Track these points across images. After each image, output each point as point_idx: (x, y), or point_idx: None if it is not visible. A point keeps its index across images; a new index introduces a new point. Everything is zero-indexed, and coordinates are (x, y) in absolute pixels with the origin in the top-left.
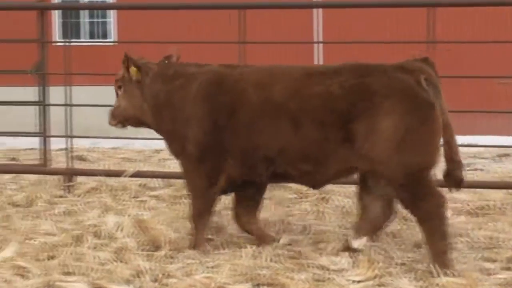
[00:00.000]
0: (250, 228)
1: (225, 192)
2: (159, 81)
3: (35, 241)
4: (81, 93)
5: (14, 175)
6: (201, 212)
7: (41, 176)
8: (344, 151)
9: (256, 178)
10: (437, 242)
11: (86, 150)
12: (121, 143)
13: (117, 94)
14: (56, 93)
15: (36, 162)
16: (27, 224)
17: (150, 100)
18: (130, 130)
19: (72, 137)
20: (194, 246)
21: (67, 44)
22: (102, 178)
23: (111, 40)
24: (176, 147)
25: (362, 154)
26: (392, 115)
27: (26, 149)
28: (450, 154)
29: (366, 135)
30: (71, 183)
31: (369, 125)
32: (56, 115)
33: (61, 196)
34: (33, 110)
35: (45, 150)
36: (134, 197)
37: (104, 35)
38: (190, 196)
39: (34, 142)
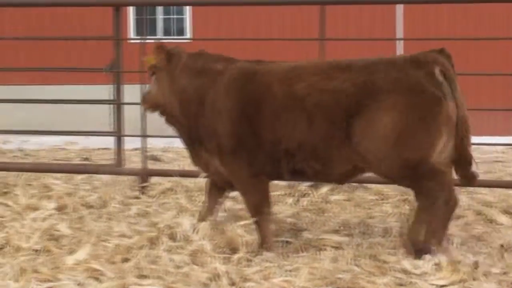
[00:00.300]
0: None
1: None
2: (186, 74)
3: (109, 243)
4: None
5: (87, 175)
6: (257, 206)
7: (115, 177)
8: (346, 150)
9: (277, 177)
10: (431, 223)
11: (161, 150)
12: None
13: (151, 80)
14: (130, 92)
15: (109, 162)
16: (100, 226)
17: (178, 93)
18: None
19: (146, 136)
20: (263, 244)
21: (142, 41)
22: (177, 179)
23: (187, 37)
24: (211, 145)
25: (359, 151)
26: (391, 112)
27: (99, 149)
28: (460, 149)
29: (364, 131)
30: (145, 184)
31: (368, 121)
32: (130, 114)
33: (135, 197)
34: (107, 109)
35: (119, 150)
36: None
37: (180, 32)
38: (242, 194)
39: (108, 141)
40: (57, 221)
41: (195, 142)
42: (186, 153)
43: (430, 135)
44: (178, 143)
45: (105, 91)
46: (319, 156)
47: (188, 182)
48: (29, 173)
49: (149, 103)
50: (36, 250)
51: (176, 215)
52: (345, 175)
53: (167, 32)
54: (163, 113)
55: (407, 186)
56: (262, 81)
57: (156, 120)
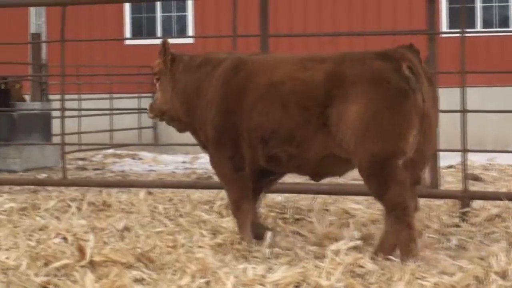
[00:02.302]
0: None
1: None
2: (187, 72)
3: (426, 281)
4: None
5: None
6: (237, 201)
7: (428, 200)
8: (323, 136)
9: (255, 164)
10: (401, 232)
11: (481, 168)
12: None
13: (156, 86)
14: (447, 96)
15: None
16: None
17: (179, 93)
18: None
19: (467, 151)
20: (242, 239)
21: (460, 35)
22: (504, 203)
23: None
24: (204, 137)
25: (336, 141)
26: (359, 102)
27: None
28: (420, 145)
29: (337, 122)
30: (466, 209)
31: (340, 112)
32: (447, 124)
33: (455, 225)
34: None
35: (434, 168)
36: None
37: (503, 23)
38: (225, 188)
39: None
40: (362, 254)
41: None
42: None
43: (398, 125)
44: (501, 159)
45: None
46: (293, 140)
47: None
48: (325, 196)
49: (154, 111)
50: None
51: (508, 248)
52: (321, 165)
53: (487, 23)
54: (170, 120)
55: (374, 190)
56: (247, 71)
57: (476, 133)
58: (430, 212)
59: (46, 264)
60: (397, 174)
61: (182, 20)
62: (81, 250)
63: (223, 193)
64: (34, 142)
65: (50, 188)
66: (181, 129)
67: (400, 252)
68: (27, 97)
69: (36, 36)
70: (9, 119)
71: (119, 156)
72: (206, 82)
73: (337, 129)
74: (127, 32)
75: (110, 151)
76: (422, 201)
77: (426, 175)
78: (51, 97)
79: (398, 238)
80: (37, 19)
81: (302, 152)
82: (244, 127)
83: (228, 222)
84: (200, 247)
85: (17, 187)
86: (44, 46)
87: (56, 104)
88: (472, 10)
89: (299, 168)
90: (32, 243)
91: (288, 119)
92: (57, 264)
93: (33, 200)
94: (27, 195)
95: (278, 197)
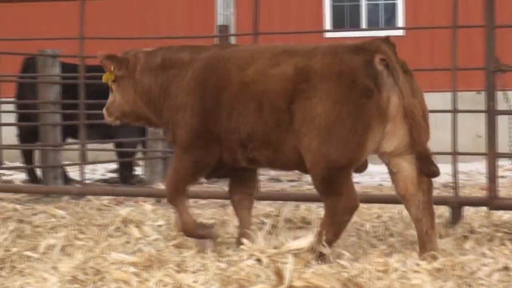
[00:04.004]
0: (237, 210)
1: (221, 176)
2: (148, 74)
3: None
4: None
5: None
6: (178, 193)
7: None
8: (292, 134)
9: (236, 164)
10: (326, 233)
11: None
12: None
13: (110, 88)
14: None
15: None
16: None
17: (143, 94)
18: None
19: None
20: (183, 228)
21: None
22: None
23: None
24: (171, 137)
25: (298, 136)
26: (325, 103)
27: None
28: (412, 141)
29: (302, 118)
30: None
31: (305, 108)
32: None
33: None
34: None
35: None
36: None
37: None
38: (170, 176)
39: None
40: None
41: None
42: None
43: (359, 134)
44: None
45: None
46: (270, 144)
47: None
48: None
49: (115, 114)
50: None
51: None
52: (302, 161)
53: None
54: (136, 120)
55: (321, 192)
56: (223, 70)
57: None
58: None
59: None
60: (347, 183)
61: (390, 9)
62: (279, 274)
63: (441, 210)
64: None
65: None
66: (150, 127)
67: (313, 239)
68: None
69: (224, 28)
70: None
71: None
72: (174, 85)
73: (301, 125)
74: (327, 23)
75: None
76: None
77: None
78: None
79: (319, 234)
80: (224, 9)
81: (280, 156)
82: (222, 130)
83: (447, 244)
84: (415, 272)
85: (203, 201)
86: (233, 40)
87: None
88: None
89: (283, 167)
90: (223, 265)
91: (263, 121)
92: None
93: (221, 216)
94: (214, 210)
95: (506, 215)
